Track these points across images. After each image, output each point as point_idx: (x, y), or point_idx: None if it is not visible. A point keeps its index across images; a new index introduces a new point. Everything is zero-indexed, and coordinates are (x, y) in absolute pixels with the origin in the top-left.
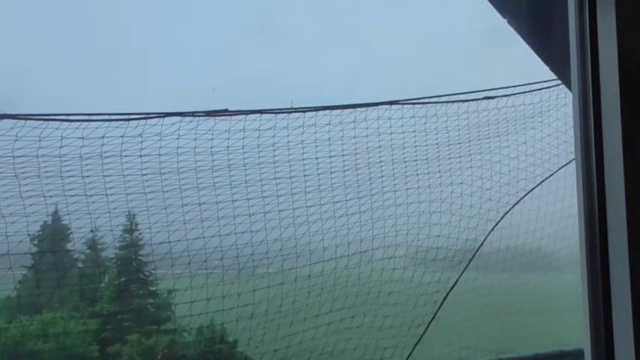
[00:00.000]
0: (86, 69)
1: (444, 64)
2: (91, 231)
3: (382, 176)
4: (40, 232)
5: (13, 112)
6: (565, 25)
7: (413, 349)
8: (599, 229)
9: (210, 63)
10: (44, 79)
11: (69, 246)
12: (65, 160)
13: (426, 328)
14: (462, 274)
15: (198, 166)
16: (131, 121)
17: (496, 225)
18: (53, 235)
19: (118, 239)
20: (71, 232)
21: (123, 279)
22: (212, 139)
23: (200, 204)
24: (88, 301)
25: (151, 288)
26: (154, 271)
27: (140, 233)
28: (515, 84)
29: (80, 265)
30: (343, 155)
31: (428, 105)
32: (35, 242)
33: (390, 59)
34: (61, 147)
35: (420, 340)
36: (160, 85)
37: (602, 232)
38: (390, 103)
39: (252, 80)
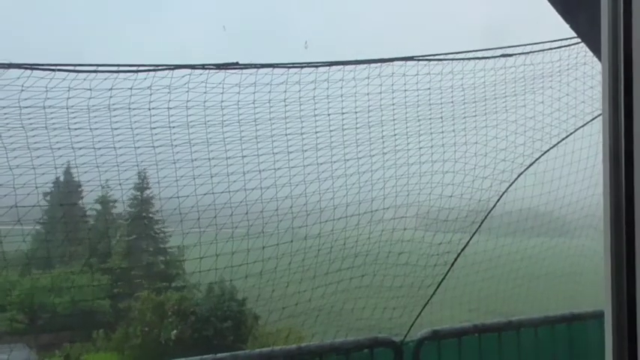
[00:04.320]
0: (94, 18)
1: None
2: (101, 187)
3: (395, 134)
4: (51, 187)
5: (20, 62)
6: None
7: (422, 310)
8: (625, 190)
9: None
10: (50, 29)
11: (79, 201)
12: (73, 112)
13: (436, 289)
14: (473, 235)
15: (208, 121)
16: (140, 73)
17: (510, 186)
18: (64, 189)
19: (128, 195)
20: (80, 187)
21: (133, 236)
22: (222, 93)
23: (210, 159)
24: (98, 256)
25: (161, 245)
26: (163, 228)
27: (150, 190)
28: (534, 41)
29: (91, 221)
30: (356, 112)
31: (444, 62)
32: (47, 197)
33: (408, 16)
34: (69, 98)
35: (429, 300)
36: (171, 31)
37: (627, 191)
38: (405, 59)
39: (265, 29)
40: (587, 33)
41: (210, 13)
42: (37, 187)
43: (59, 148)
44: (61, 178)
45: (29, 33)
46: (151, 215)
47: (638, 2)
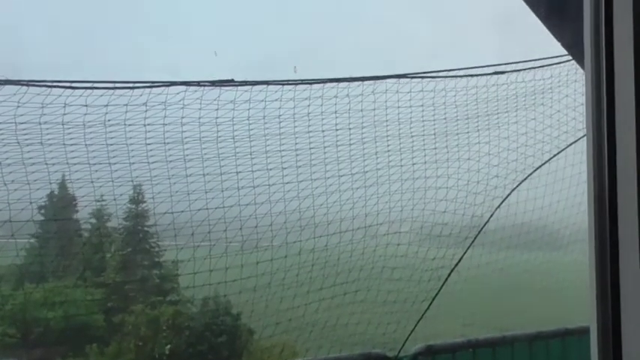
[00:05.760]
0: (90, 35)
1: (455, 39)
2: (96, 200)
3: (389, 150)
4: (46, 201)
5: (16, 78)
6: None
7: (416, 325)
8: (608, 206)
9: (215, 29)
10: (48, 45)
11: (74, 215)
12: (68, 128)
13: (430, 304)
14: (467, 250)
15: (203, 137)
16: (135, 90)
17: (503, 202)
18: (59, 203)
19: (123, 209)
20: (75, 201)
21: (128, 249)
22: (217, 110)
23: (204, 175)
24: (93, 270)
25: (156, 259)
26: (158, 242)
27: (145, 204)
28: (526, 59)
29: (86, 234)
30: (350, 129)
31: (437, 79)
32: (42, 211)
33: (400, 33)
34: (64, 114)
35: (423, 315)
36: (165, 53)
37: (611, 208)
38: (399, 76)
39: (257, 49)
40: (577, 50)
41: (207, 30)
42: (31, 202)
43: (54, 164)
44: (56, 193)
45: (25, 49)
46: (145, 229)
47: (620, 20)
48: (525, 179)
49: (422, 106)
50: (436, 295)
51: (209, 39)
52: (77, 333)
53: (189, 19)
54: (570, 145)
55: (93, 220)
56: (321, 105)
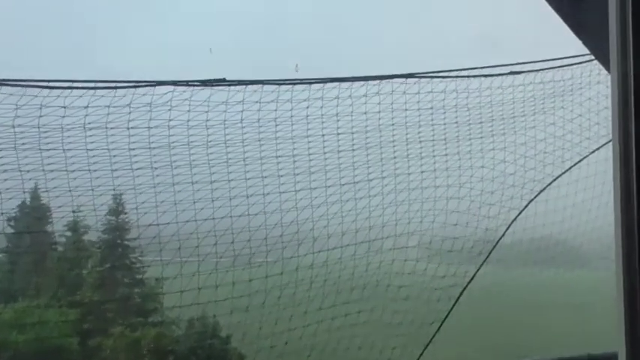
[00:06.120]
0: (68, 30)
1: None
2: (73, 211)
3: (395, 157)
4: (16, 212)
5: None
6: None
7: (424, 350)
8: (637, 218)
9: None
10: (23, 41)
11: (48, 227)
12: (44, 132)
13: (439, 327)
14: (480, 267)
15: (192, 141)
16: (118, 90)
17: (519, 214)
18: (32, 214)
19: (102, 221)
20: (50, 212)
21: (107, 265)
22: (207, 112)
23: (193, 183)
24: (68, 288)
25: (138, 276)
26: (141, 257)
27: (127, 214)
28: (545, 58)
29: (60, 248)
30: (352, 133)
31: (447, 79)
32: (12, 223)
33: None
34: (40, 117)
35: (432, 339)
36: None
37: None
38: (406, 76)
39: (254, 46)
40: (600, 50)
41: (200, 29)
42: (2, 213)
43: (28, 171)
44: (29, 203)
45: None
46: (127, 243)
47: None
48: (544, 189)
49: (431, 108)
50: (446, 316)
51: (203, 35)
52: (49, 358)
53: (184, 16)
54: (593, 152)
55: (69, 233)
56: (322, 107)
